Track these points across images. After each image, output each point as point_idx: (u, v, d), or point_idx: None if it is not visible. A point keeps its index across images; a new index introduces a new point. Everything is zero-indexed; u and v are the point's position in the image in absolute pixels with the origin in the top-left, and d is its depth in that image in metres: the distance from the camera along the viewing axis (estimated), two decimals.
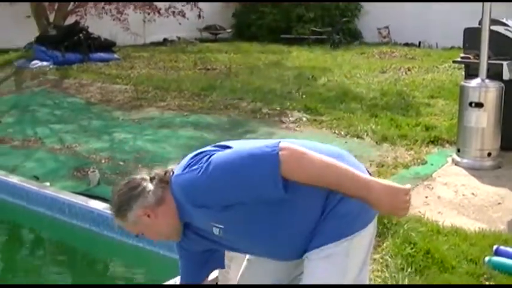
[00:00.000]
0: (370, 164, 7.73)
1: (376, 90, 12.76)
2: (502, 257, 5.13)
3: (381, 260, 5.19)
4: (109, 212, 6.16)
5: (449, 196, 6.77)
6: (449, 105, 11.04)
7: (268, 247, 2.98)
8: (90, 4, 20.12)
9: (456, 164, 7.86)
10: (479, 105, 7.60)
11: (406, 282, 4.78)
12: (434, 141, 8.93)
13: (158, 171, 2.99)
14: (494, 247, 5.28)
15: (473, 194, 6.82)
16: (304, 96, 12.18)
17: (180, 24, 21.47)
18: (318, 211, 2.78)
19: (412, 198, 6.32)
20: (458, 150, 7.94)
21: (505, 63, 7.86)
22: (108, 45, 18.64)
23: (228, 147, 2.82)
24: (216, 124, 10.58)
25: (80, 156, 9.20)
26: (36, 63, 16.89)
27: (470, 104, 7.65)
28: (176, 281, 4.62)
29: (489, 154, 7.77)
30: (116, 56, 18.29)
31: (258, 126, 10.29)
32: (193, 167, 2.75)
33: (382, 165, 7.77)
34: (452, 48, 18.55)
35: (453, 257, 5.18)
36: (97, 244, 6.72)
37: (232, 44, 22.41)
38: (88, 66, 16.70)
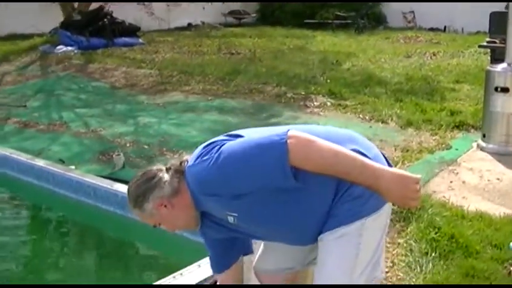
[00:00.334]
0: (395, 149, 7.71)
1: (400, 75, 12.69)
2: None
3: (405, 244, 5.18)
4: None
5: (474, 181, 6.72)
6: (475, 90, 10.95)
7: (282, 233, 2.99)
8: None
9: (481, 149, 7.80)
10: (505, 90, 7.52)
11: (430, 266, 4.76)
12: (460, 126, 8.86)
13: (174, 161, 3.02)
14: None
15: (498, 179, 6.77)
16: (328, 80, 12.14)
17: (204, 9, 21.52)
18: (331, 194, 2.78)
19: (437, 183, 6.39)
20: (484, 136, 7.87)
21: None
22: (132, 30, 18.69)
23: (239, 136, 2.83)
24: (241, 108, 10.58)
25: (104, 140, 9.25)
26: (61, 48, 16.98)
27: (496, 89, 7.58)
28: (200, 264, 4.65)
29: None
30: (140, 40, 18.33)
31: (283, 110, 10.27)
32: (204, 158, 2.76)
33: (407, 150, 7.73)
34: (478, 33, 18.41)
35: (477, 242, 5.16)
36: (121, 227, 6.77)
37: (256, 28, 22.38)
38: (112, 51, 16.75)
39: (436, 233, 5.25)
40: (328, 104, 10.41)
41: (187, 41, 18.50)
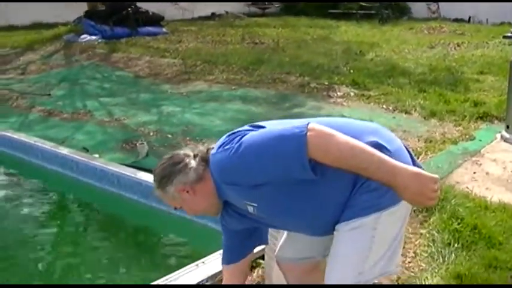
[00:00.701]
0: (418, 140, 7.68)
1: (424, 66, 12.63)
2: None
3: (427, 235, 5.17)
4: None
5: (498, 172, 6.69)
6: (499, 81, 10.88)
7: (300, 224, 3.00)
8: None
9: (505, 140, 7.76)
10: None
11: (452, 257, 4.75)
12: (483, 117, 8.81)
13: (202, 148, 3.03)
14: None
15: None
16: (352, 71, 12.11)
17: None
18: (349, 186, 2.77)
19: (460, 174, 6.36)
20: (507, 127, 7.81)
21: None
22: (156, 20, 18.71)
23: (261, 127, 2.83)
24: (264, 98, 10.57)
25: (128, 128, 9.29)
26: (85, 37, 17.06)
27: None
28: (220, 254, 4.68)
29: None
30: (164, 30, 18.36)
31: (306, 100, 10.26)
32: (226, 147, 2.78)
33: (430, 141, 7.70)
34: (502, 23, 18.29)
35: (500, 233, 5.13)
36: (145, 215, 6.81)
37: (280, 18, 22.37)
38: (136, 40, 16.79)
39: (458, 224, 5.23)
40: (352, 94, 10.39)
41: (210, 31, 18.51)
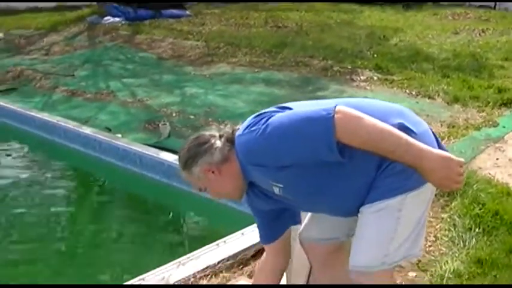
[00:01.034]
0: (441, 125, 7.65)
1: (448, 51, 12.54)
2: None
3: (448, 220, 5.16)
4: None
5: None
6: None
7: (325, 205, 2.99)
8: None
9: None
10: None
11: (473, 242, 4.74)
12: (507, 103, 8.75)
13: (227, 129, 3.01)
14: None
15: None
16: (375, 55, 12.04)
17: None
18: (374, 168, 2.77)
19: (483, 160, 6.34)
20: None
21: None
22: (179, 2, 18.69)
23: (288, 108, 2.82)
24: (287, 81, 10.54)
25: (151, 109, 9.31)
26: (109, 19, 17.08)
27: None
28: (243, 232, 4.70)
29: None
30: (187, 12, 18.32)
31: (329, 84, 10.23)
32: (252, 128, 2.77)
33: (453, 126, 7.67)
34: None
35: None
36: (166, 195, 6.85)
37: (304, 2, 22.27)
38: (159, 23, 16.77)
39: (480, 209, 5.21)
40: (375, 78, 10.35)
41: (234, 14, 18.45)
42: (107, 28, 16.30)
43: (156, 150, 7.23)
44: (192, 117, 8.68)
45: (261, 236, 3.39)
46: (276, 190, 2.87)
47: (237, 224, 4.98)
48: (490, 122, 7.90)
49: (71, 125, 8.47)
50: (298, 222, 3.38)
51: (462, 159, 2.62)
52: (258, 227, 3.36)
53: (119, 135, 7.97)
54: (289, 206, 3.15)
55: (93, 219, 6.81)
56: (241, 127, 2.88)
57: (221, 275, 4.12)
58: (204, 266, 4.22)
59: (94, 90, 10.73)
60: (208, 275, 4.11)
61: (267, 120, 2.72)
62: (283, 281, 3.86)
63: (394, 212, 2.76)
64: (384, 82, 10.09)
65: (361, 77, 10.44)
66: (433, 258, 4.55)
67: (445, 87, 9.50)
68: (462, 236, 4.83)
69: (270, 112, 2.79)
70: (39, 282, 5.16)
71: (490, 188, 5.61)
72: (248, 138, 2.78)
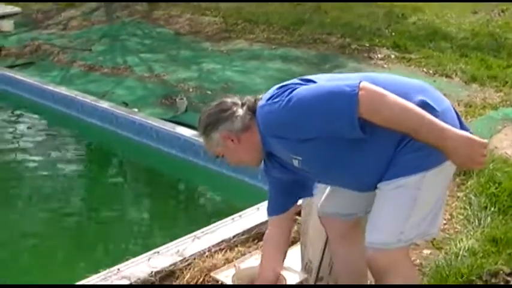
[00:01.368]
0: (458, 104, 7.62)
1: (467, 31, 12.44)
2: None
3: (464, 198, 5.15)
4: (195, 138, 6.33)
5: None
6: None
7: (344, 179, 2.98)
8: None
9: None
10: None
11: (488, 220, 4.72)
12: None
13: (249, 97, 3.00)
14: None
15: None
16: (393, 33, 11.98)
17: None
18: (395, 144, 2.75)
19: (500, 139, 6.31)
20: None
21: None
22: None
23: (312, 81, 2.80)
24: (304, 58, 10.52)
25: (168, 84, 9.32)
26: None
27: None
28: (259, 207, 4.71)
29: None
30: None
31: (346, 61, 10.21)
32: (275, 100, 2.75)
33: (470, 106, 7.64)
34: None
35: None
36: (182, 169, 6.89)
37: None
38: None
39: (496, 188, 5.20)
40: (392, 56, 10.31)
41: None
42: (124, 4, 16.26)
43: (173, 124, 7.25)
44: (209, 92, 8.68)
45: (269, 207, 3.37)
46: (295, 162, 2.87)
47: (252, 198, 4.98)
48: (508, 102, 7.87)
49: (88, 99, 8.48)
50: (311, 194, 3.38)
51: (486, 141, 2.60)
52: (270, 197, 3.35)
53: (136, 110, 7.99)
54: (305, 178, 3.15)
55: (109, 193, 6.84)
56: (263, 97, 2.87)
57: (236, 249, 4.13)
58: (219, 240, 4.22)
59: (111, 65, 10.72)
60: (223, 249, 4.12)
61: (291, 92, 2.71)
62: (299, 253, 3.89)
63: (413, 190, 2.75)
64: (401, 60, 10.05)
65: (379, 55, 10.41)
66: (448, 236, 4.55)
67: (463, 67, 9.45)
68: (477, 215, 4.82)
69: (293, 84, 2.77)
70: (55, 255, 5.21)
71: (506, 167, 5.60)
72: (270, 109, 2.77)
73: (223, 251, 4.09)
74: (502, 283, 3.82)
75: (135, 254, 4.06)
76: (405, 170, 2.74)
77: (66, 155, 7.65)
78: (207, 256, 4.00)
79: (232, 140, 2.92)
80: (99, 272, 3.82)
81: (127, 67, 10.49)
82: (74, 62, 11.06)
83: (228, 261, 3.88)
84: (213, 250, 4.09)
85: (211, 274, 3.64)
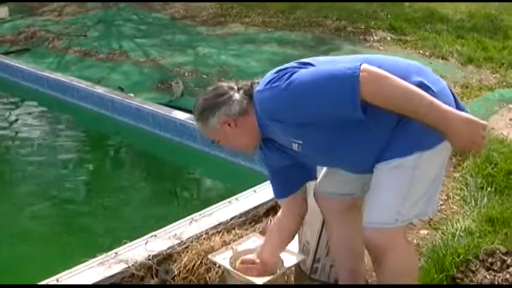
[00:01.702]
0: (454, 85, 7.63)
1: (463, 13, 12.46)
2: None
3: (460, 179, 5.16)
4: (191, 122, 6.33)
5: None
6: None
7: (343, 161, 2.99)
8: None
9: None
10: None
11: (485, 201, 4.73)
12: None
13: (245, 82, 2.99)
14: None
15: None
16: (389, 16, 12.00)
17: None
18: (393, 124, 2.75)
19: (496, 120, 6.32)
20: None
21: None
22: None
23: (310, 64, 2.79)
24: (300, 41, 10.52)
25: (164, 69, 9.33)
26: None
27: None
28: (255, 189, 4.71)
29: None
30: None
31: (342, 44, 10.21)
32: (274, 84, 2.73)
33: (467, 87, 7.66)
34: None
35: None
36: (179, 153, 6.88)
37: None
38: None
39: (492, 169, 5.22)
40: (388, 38, 10.33)
41: None
42: None
43: (169, 109, 7.24)
44: (204, 76, 8.69)
45: (275, 191, 3.37)
46: (295, 146, 2.87)
47: (249, 181, 4.98)
48: (504, 83, 7.90)
49: (84, 84, 8.46)
50: (314, 178, 3.35)
51: (486, 122, 2.62)
52: (271, 182, 3.34)
53: (132, 95, 7.98)
54: (304, 162, 3.14)
55: (106, 177, 6.86)
56: (260, 82, 2.86)
57: (233, 231, 4.13)
58: (217, 223, 4.22)
59: (107, 50, 10.73)
60: (220, 232, 4.12)
61: (290, 76, 2.70)
62: (296, 235, 3.88)
63: (409, 170, 2.75)
64: (397, 42, 10.07)
65: (375, 38, 10.42)
66: (444, 216, 4.56)
67: (459, 48, 9.48)
68: (474, 195, 4.84)
69: (292, 68, 2.76)
70: (52, 240, 5.21)
71: (502, 148, 5.62)
72: (270, 93, 2.76)
73: (221, 233, 4.09)
74: (498, 262, 3.82)
75: (133, 238, 4.05)
76: (402, 150, 2.75)
77: (62, 140, 7.63)
78: (204, 239, 4.00)
79: (229, 125, 2.91)
80: (97, 256, 3.82)
81: (123, 52, 10.50)
82: (70, 48, 11.06)
83: (225, 243, 3.88)
84: (210, 233, 4.09)
85: (209, 256, 3.63)
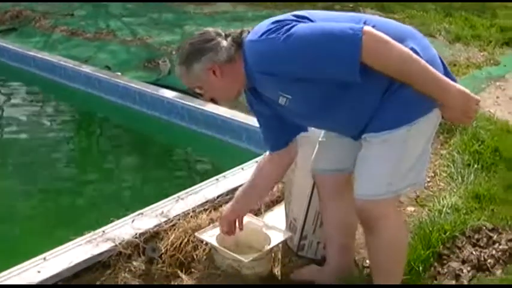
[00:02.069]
0: None
1: None
2: None
3: (447, 156, 5.17)
4: (179, 100, 6.33)
5: None
6: None
7: (329, 121, 2.97)
8: None
9: None
10: None
11: (471, 177, 4.74)
12: (509, 42, 8.78)
13: (233, 30, 2.89)
14: None
15: None
16: None
17: None
18: (383, 89, 2.70)
19: (483, 98, 6.33)
20: None
21: None
22: None
23: (307, 18, 2.72)
24: None
25: (151, 48, 9.29)
26: None
27: None
28: (243, 167, 4.71)
29: None
30: None
31: None
32: (271, 35, 2.65)
33: (454, 65, 7.66)
34: None
35: None
36: (167, 131, 6.88)
37: None
38: None
39: (479, 146, 5.23)
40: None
41: None
42: None
43: (156, 87, 7.22)
44: None
45: (268, 144, 3.29)
46: (282, 100, 2.80)
47: (236, 159, 4.99)
48: (491, 61, 7.91)
49: (71, 64, 8.43)
50: (306, 129, 3.27)
51: (479, 98, 2.67)
52: (263, 133, 3.28)
53: (119, 74, 7.95)
54: (286, 118, 3.05)
55: (93, 156, 6.88)
56: (253, 32, 2.78)
57: (220, 209, 4.11)
58: (204, 201, 4.21)
59: (94, 29, 10.67)
60: (207, 209, 4.11)
61: (290, 29, 2.62)
62: (282, 210, 3.90)
63: (399, 143, 2.74)
64: None
65: None
66: (431, 193, 4.57)
67: (447, 26, 9.49)
68: (461, 172, 4.85)
69: (290, 21, 2.68)
70: (40, 219, 5.18)
71: (489, 125, 5.64)
72: (265, 45, 2.68)
73: (208, 211, 4.09)
74: (484, 239, 3.84)
75: (120, 216, 4.05)
76: (391, 122, 2.73)
77: (49, 119, 7.61)
78: (191, 216, 3.99)
79: (214, 72, 2.82)
80: (84, 235, 3.82)
81: (110, 31, 10.46)
82: (56, 27, 11.00)
83: (212, 221, 3.87)
84: (197, 210, 4.08)
85: (196, 234, 3.64)
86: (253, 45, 2.74)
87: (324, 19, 2.75)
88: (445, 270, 3.59)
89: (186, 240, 3.75)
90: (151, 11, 11.82)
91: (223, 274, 3.49)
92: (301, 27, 2.64)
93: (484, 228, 3.93)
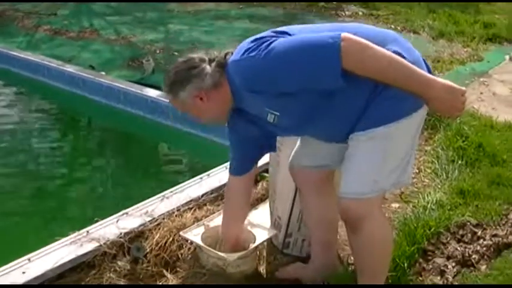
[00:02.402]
0: (426, 59, 7.62)
1: None
2: None
3: (432, 152, 5.19)
4: (163, 99, 6.32)
5: (505, 93, 6.69)
6: (511, 4, 10.78)
7: (319, 131, 2.95)
8: None
9: None
10: None
11: (456, 173, 4.76)
12: (493, 38, 8.79)
13: (217, 53, 2.90)
14: None
15: None
16: None
17: None
18: (368, 92, 2.72)
19: (467, 94, 6.32)
20: None
21: None
22: None
23: (286, 33, 2.73)
24: (272, 17, 10.52)
25: (135, 46, 9.30)
26: None
27: None
28: (227, 166, 4.69)
29: None
30: None
31: (314, 19, 10.20)
32: (252, 53, 2.65)
33: (438, 61, 7.69)
34: None
35: (505, 151, 5.13)
36: (151, 130, 6.88)
37: None
38: None
39: (463, 142, 5.24)
40: (360, 13, 10.35)
41: None
42: None
43: (140, 86, 7.22)
44: (176, 53, 8.65)
45: (234, 167, 3.35)
46: (271, 118, 2.82)
47: (221, 157, 4.96)
48: (475, 57, 7.94)
49: (54, 63, 8.40)
50: (275, 149, 3.36)
51: (464, 88, 2.67)
52: (234, 156, 3.33)
53: (103, 73, 7.93)
54: (271, 134, 3.11)
55: (78, 155, 6.84)
56: (236, 51, 2.79)
57: (205, 207, 4.12)
58: (188, 199, 4.20)
59: (77, 28, 10.66)
60: (192, 208, 4.11)
61: (269, 44, 2.63)
62: (267, 208, 3.89)
63: (384, 141, 2.74)
64: (369, 17, 10.10)
65: (346, 12, 10.46)
66: (416, 189, 4.58)
67: (431, 22, 9.53)
68: (445, 168, 4.86)
69: (270, 37, 2.69)
70: (24, 219, 5.15)
71: (473, 121, 5.66)
72: (248, 63, 2.69)
73: (192, 210, 4.08)
74: (469, 234, 3.85)
75: (104, 216, 4.03)
76: (377, 120, 2.73)
77: (33, 119, 7.59)
78: (176, 215, 3.99)
79: (201, 99, 2.84)
80: (69, 235, 3.80)
81: (93, 30, 10.47)
82: (39, 26, 10.99)
83: (197, 220, 3.87)
84: (182, 209, 4.08)
85: (181, 233, 3.63)
86: (236, 64, 2.75)
87: (303, 32, 2.76)
88: (430, 266, 3.60)
89: (171, 239, 3.74)
90: (135, 10, 11.80)
91: (208, 273, 3.48)
92: (281, 41, 2.64)
93: (469, 224, 3.94)
